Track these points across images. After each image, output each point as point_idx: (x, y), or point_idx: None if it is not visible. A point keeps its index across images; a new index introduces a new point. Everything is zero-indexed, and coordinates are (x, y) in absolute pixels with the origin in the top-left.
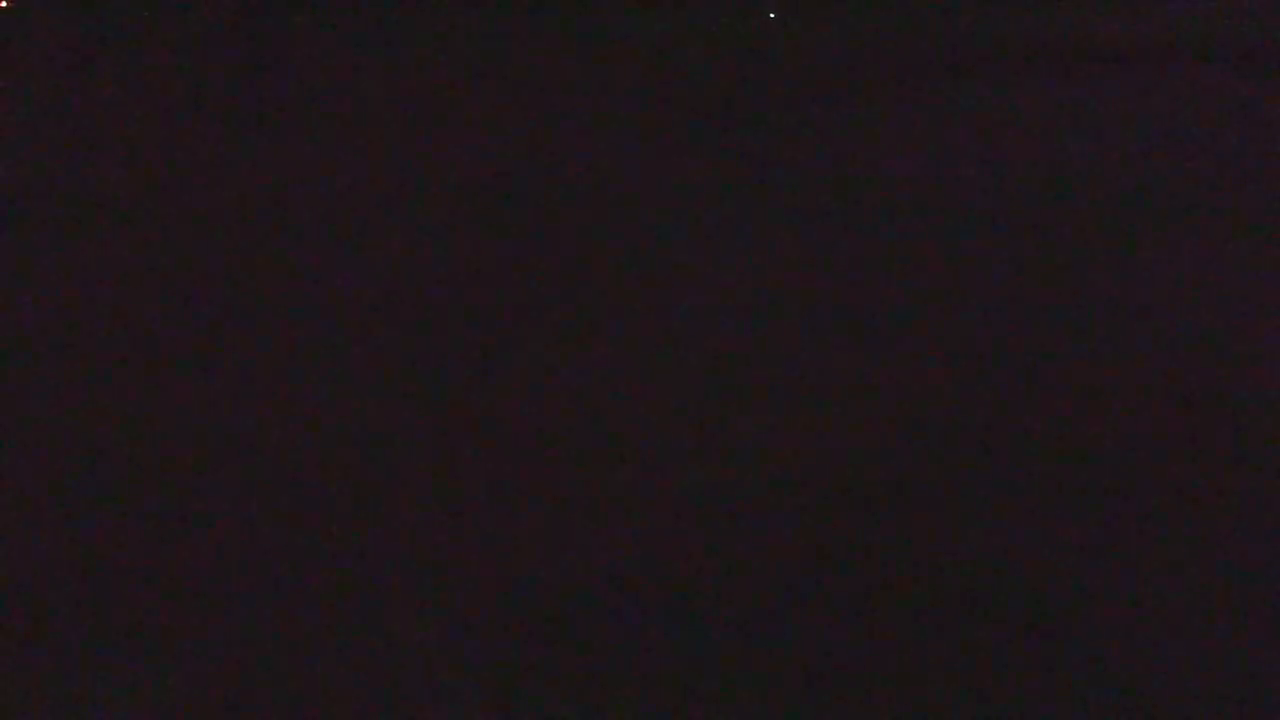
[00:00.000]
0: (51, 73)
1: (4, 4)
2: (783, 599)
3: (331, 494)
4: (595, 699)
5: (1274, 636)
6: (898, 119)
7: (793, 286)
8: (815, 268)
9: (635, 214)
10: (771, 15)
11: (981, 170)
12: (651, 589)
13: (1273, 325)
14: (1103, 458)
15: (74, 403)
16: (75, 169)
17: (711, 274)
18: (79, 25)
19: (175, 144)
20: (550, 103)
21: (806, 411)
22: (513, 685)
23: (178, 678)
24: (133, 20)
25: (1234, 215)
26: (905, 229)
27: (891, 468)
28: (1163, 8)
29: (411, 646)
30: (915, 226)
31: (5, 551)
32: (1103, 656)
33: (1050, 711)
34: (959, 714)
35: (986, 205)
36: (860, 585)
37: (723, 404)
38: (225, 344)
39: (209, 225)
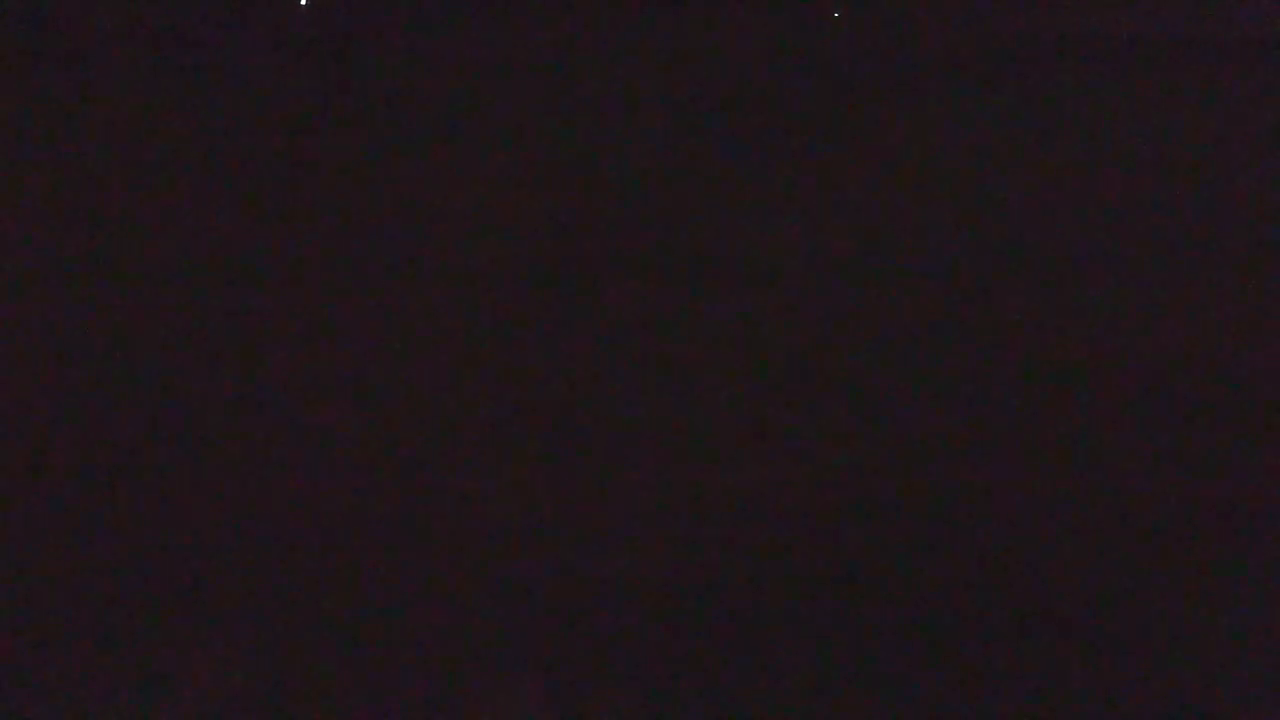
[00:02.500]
0: (130, 75)
1: None
2: (839, 598)
3: (391, 492)
4: (648, 692)
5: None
6: (959, 119)
7: (850, 290)
8: (875, 272)
9: (698, 214)
10: (836, 15)
11: (1046, 171)
12: (709, 586)
13: (1274, 324)
14: (1130, 462)
15: (172, 392)
16: (150, 173)
17: (768, 276)
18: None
19: (257, 150)
20: (616, 104)
21: (861, 416)
22: (568, 679)
23: (233, 673)
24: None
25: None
26: (970, 231)
27: (936, 473)
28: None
29: (468, 641)
30: (979, 229)
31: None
32: (1121, 662)
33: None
34: (1000, 712)
35: (1054, 208)
36: (909, 586)
37: (780, 408)
38: (290, 341)
39: (285, 229)
